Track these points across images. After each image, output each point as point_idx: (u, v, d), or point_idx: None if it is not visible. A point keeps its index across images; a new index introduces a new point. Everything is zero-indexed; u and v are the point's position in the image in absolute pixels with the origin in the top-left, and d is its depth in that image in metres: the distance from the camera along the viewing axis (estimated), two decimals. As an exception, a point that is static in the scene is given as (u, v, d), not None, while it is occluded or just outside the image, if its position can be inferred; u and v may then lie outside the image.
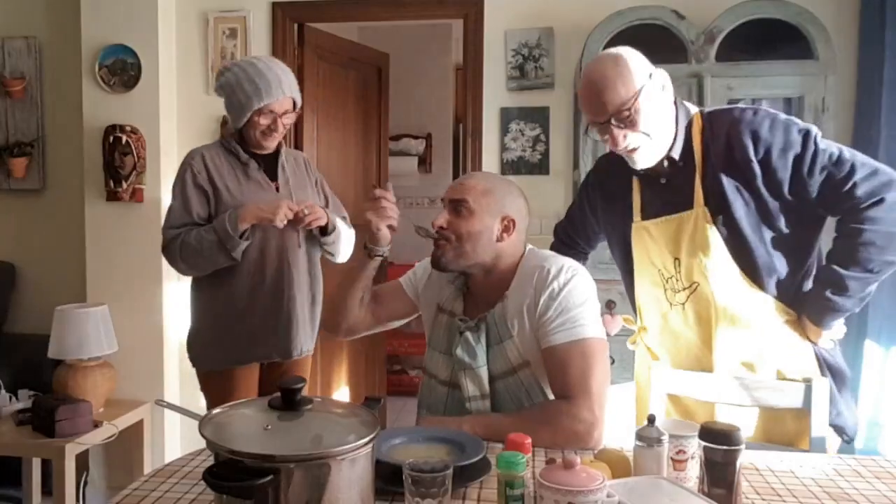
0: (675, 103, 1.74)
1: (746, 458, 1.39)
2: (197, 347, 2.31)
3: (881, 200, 1.60)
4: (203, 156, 2.24)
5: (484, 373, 1.61)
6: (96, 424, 2.73)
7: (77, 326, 2.81)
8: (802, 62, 2.62)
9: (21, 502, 2.98)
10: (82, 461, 3.02)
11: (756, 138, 1.64)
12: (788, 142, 1.64)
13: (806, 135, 1.64)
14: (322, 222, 2.22)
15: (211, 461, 1.08)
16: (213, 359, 2.26)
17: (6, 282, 3.37)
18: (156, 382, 3.17)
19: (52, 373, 2.86)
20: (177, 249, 2.19)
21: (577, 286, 1.59)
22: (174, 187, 2.25)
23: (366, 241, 1.73)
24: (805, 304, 1.73)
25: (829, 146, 1.64)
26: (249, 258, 2.20)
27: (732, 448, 1.21)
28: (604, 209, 1.97)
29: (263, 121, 2.20)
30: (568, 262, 1.64)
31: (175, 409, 1.43)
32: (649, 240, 1.80)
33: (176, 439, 3.27)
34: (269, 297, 2.24)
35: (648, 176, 1.78)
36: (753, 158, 1.64)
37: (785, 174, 1.63)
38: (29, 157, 3.35)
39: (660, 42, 2.71)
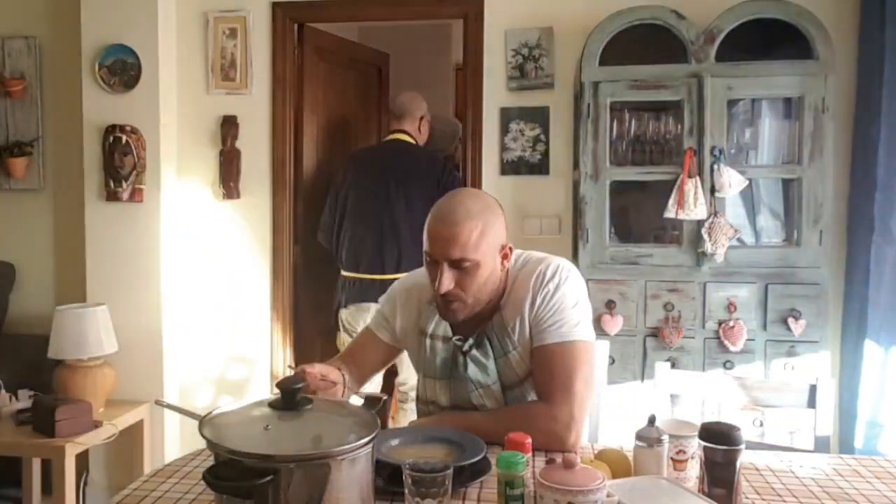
0: None
1: (746, 458, 1.39)
2: None
3: None
4: None
5: (498, 388, 1.60)
6: (96, 424, 2.73)
7: (77, 326, 2.80)
8: (802, 62, 2.62)
9: (21, 502, 2.98)
10: (82, 461, 3.01)
11: None
12: None
13: None
14: None
15: (211, 461, 1.08)
16: None
17: (6, 282, 3.37)
18: (156, 382, 3.17)
19: (52, 373, 2.86)
20: None
21: (570, 287, 1.58)
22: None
23: None
24: None
25: None
26: None
27: (732, 448, 1.21)
28: None
29: None
30: (562, 263, 1.62)
31: (175, 409, 1.43)
32: None
33: (176, 439, 3.26)
34: None
35: None
36: None
37: None
38: (29, 157, 3.34)
39: (660, 42, 2.71)
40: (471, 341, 1.61)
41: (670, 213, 2.62)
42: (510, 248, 1.60)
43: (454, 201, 1.56)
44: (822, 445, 1.74)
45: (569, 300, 1.57)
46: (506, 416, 1.54)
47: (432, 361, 1.65)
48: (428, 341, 1.65)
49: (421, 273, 1.70)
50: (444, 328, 1.64)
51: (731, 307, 2.61)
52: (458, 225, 1.50)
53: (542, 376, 1.55)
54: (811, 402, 1.76)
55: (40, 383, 2.93)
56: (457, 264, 1.51)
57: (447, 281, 1.52)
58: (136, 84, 3.10)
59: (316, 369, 1.47)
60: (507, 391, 1.61)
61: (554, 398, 1.51)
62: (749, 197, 2.76)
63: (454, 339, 1.63)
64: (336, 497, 1.05)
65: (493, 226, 1.55)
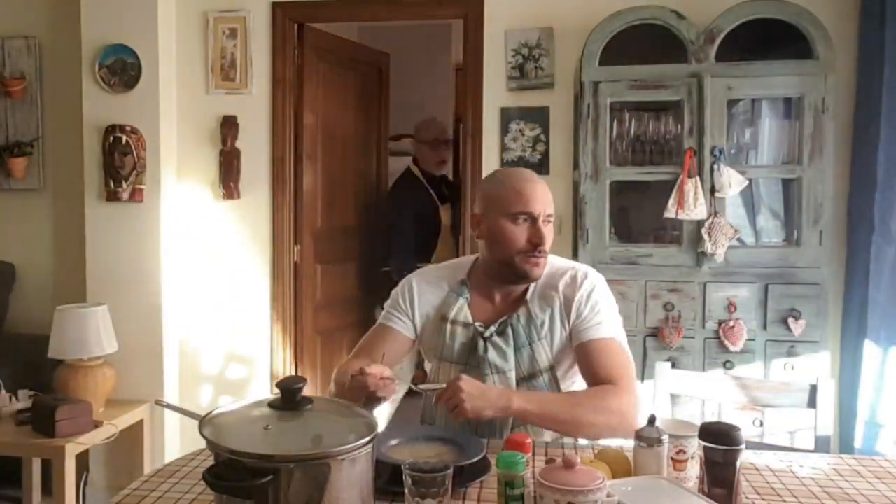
0: None
1: (746, 458, 1.39)
2: None
3: None
4: None
5: (513, 376, 1.63)
6: (96, 424, 2.73)
7: (77, 326, 2.80)
8: (802, 62, 2.62)
9: (21, 502, 2.98)
10: (82, 461, 3.01)
11: None
12: None
13: None
14: None
15: (211, 461, 1.08)
16: None
17: (6, 282, 3.37)
18: (156, 382, 3.17)
19: (52, 373, 2.86)
20: None
21: (604, 290, 1.69)
22: None
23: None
24: None
25: None
26: None
27: (732, 448, 1.21)
28: None
29: None
30: (588, 268, 1.73)
31: (175, 409, 1.43)
32: None
33: (176, 439, 3.27)
34: None
35: None
36: None
37: None
38: (29, 157, 3.35)
39: (660, 42, 2.71)
40: (493, 328, 1.66)
41: (670, 213, 2.62)
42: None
43: (520, 168, 1.83)
44: (822, 445, 1.74)
45: (605, 300, 1.67)
46: (577, 395, 1.60)
47: (451, 346, 1.69)
48: (448, 326, 1.69)
49: (440, 266, 1.86)
50: (465, 315, 1.70)
51: (731, 307, 2.61)
52: (541, 186, 1.67)
53: (598, 366, 1.60)
54: (811, 403, 1.76)
55: (40, 383, 2.93)
56: (548, 219, 1.66)
57: (549, 234, 1.66)
58: (136, 84, 3.10)
59: (375, 370, 1.46)
60: (521, 383, 1.64)
61: (621, 383, 1.56)
62: (749, 197, 2.76)
63: (476, 324, 1.68)
64: (336, 497, 1.05)
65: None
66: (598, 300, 1.65)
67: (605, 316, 1.64)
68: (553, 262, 1.72)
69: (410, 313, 1.75)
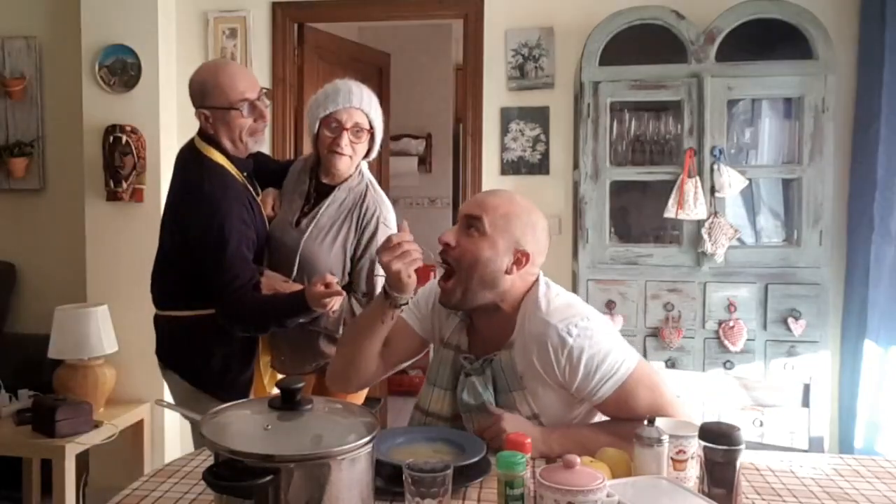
0: None
1: (746, 458, 1.39)
2: None
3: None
4: None
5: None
6: (96, 424, 2.73)
7: (77, 326, 2.80)
8: (802, 62, 2.62)
9: (21, 502, 2.98)
10: (82, 461, 3.01)
11: None
12: None
13: None
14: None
15: (211, 461, 1.08)
16: None
17: (6, 282, 3.37)
18: (156, 382, 3.14)
19: (52, 373, 2.86)
20: None
21: (592, 339, 1.46)
22: None
23: (388, 290, 1.56)
24: None
25: None
26: None
27: (732, 448, 1.21)
28: None
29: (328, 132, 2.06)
30: (572, 316, 1.49)
31: (175, 409, 1.43)
32: None
33: (176, 439, 3.26)
34: None
35: None
36: None
37: None
38: (29, 157, 3.35)
39: (660, 42, 2.72)
40: (477, 364, 1.54)
41: (670, 213, 2.62)
42: (526, 257, 1.52)
43: (508, 191, 1.63)
44: (816, 445, 1.74)
45: (599, 349, 1.46)
46: (623, 426, 1.45)
47: (441, 369, 1.61)
48: (442, 349, 1.63)
49: None
50: (459, 339, 1.61)
51: (731, 307, 2.62)
52: (492, 195, 1.58)
53: (636, 410, 1.45)
54: (805, 402, 1.77)
55: (40, 383, 2.93)
56: (469, 223, 1.53)
57: (450, 233, 1.54)
58: (136, 84, 3.10)
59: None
60: None
61: (669, 414, 1.44)
62: (749, 197, 2.77)
63: (463, 355, 1.58)
64: (336, 497, 1.05)
65: (521, 223, 1.53)
66: (591, 358, 1.45)
67: (608, 365, 1.45)
68: (541, 301, 1.52)
69: (423, 320, 1.69)
